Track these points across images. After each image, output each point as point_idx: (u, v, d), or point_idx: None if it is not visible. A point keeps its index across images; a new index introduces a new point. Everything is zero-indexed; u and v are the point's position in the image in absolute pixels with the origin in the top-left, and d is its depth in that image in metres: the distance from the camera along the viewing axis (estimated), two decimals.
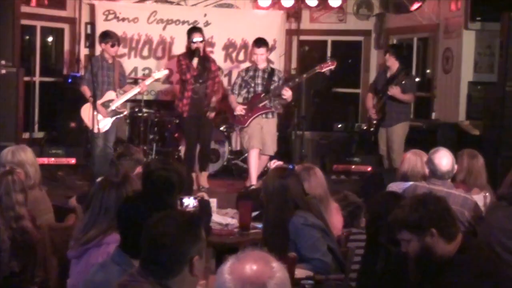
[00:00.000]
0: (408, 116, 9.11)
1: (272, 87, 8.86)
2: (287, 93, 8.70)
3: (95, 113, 8.29)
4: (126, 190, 3.70)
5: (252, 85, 8.90)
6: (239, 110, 8.82)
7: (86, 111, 8.60)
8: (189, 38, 8.95)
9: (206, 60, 9.04)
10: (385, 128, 9.00)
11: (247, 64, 11.36)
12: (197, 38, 8.88)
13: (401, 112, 8.91)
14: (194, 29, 9.19)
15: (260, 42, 8.99)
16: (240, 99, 8.98)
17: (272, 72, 8.95)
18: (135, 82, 9.96)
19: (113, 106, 8.67)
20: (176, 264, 2.70)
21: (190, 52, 8.89)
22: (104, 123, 8.60)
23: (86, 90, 8.60)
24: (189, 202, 4.63)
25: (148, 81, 9.13)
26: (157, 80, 9.57)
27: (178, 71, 9.04)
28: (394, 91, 8.70)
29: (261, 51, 8.87)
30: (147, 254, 2.75)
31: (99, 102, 8.52)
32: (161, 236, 2.70)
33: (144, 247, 2.76)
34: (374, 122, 9.04)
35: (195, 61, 8.84)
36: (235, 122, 9.15)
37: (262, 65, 8.92)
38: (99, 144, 8.64)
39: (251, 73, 8.94)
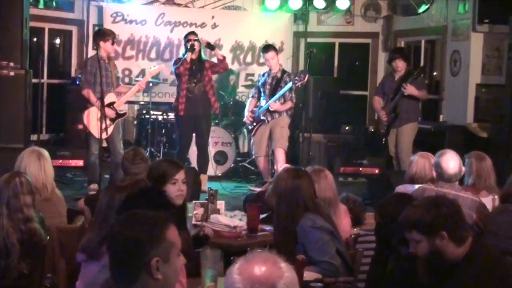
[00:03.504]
0: (417, 116, 9.03)
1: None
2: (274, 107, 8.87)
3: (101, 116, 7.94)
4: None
5: (261, 92, 9.11)
6: (246, 118, 9.21)
7: (93, 115, 8.18)
8: (185, 40, 8.93)
9: (201, 63, 8.88)
10: (395, 129, 8.94)
11: (254, 66, 11.51)
12: (192, 36, 8.84)
13: (410, 112, 8.85)
14: (190, 33, 9.07)
15: (266, 47, 9.16)
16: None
17: (281, 77, 8.97)
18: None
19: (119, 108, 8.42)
20: (132, 267, 2.51)
21: (185, 50, 8.84)
22: (110, 128, 8.29)
23: (91, 94, 8.18)
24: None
25: (144, 79, 8.88)
26: (164, 81, 9.44)
27: (174, 69, 8.90)
28: (411, 89, 8.60)
29: (270, 55, 8.94)
30: (109, 257, 2.59)
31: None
32: (116, 237, 2.56)
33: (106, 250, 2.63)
34: (385, 123, 8.98)
35: (188, 55, 8.73)
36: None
37: (274, 69, 8.98)
38: (93, 151, 8.26)
39: (262, 80, 9.11)
